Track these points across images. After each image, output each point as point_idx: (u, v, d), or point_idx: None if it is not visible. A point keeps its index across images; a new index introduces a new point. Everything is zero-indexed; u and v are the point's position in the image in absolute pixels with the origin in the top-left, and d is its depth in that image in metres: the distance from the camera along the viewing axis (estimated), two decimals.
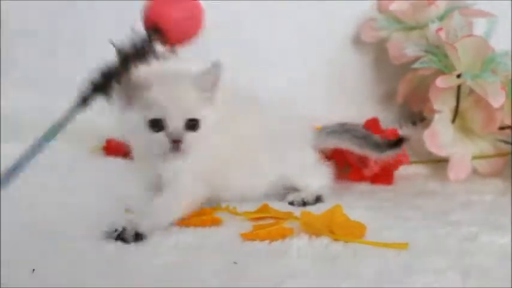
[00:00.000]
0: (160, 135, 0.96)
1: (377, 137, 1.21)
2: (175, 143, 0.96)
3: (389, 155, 1.20)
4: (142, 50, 0.88)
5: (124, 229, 0.88)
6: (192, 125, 0.98)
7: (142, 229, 0.89)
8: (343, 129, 1.22)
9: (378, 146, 1.19)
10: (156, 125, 0.96)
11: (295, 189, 1.15)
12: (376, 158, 1.23)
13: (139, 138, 0.99)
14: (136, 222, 0.90)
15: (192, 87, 0.99)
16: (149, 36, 0.89)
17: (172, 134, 0.96)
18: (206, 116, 1.00)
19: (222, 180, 1.05)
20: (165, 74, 0.98)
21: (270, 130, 1.14)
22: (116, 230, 0.88)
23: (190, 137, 0.97)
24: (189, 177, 1.00)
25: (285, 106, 1.23)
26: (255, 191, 1.11)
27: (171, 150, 0.96)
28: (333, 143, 1.22)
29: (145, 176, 1.04)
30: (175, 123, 0.96)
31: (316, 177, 1.17)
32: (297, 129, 1.19)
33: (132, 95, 0.97)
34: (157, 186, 1.01)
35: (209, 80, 1.01)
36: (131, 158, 1.07)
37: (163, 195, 0.98)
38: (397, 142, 1.19)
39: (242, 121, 1.10)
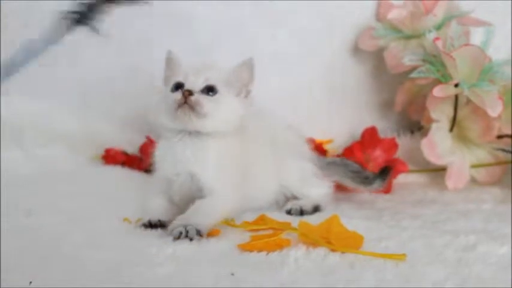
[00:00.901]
0: (178, 92, 1.04)
1: (368, 173, 1.23)
2: (186, 96, 1.01)
3: (376, 187, 1.21)
4: None
5: (187, 230, 0.93)
6: (209, 91, 1.05)
7: (200, 227, 0.94)
8: (342, 163, 1.24)
9: (367, 179, 1.22)
10: (177, 87, 1.05)
11: (294, 198, 1.16)
12: (365, 190, 1.24)
13: (166, 104, 1.05)
14: (194, 222, 0.95)
15: (217, 72, 1.07)
16: None
17: (185, 88, 1.03)
18: (227, 97, 1.06)
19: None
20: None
21: (271, 140, 1.15)
22: (181, 233, 0.93)
23: (205, 99, 1.03)
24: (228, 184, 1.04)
25: (279, 116, 1.24)
26: (258, 201, 1.12)
27: (182, 102, 1.02)
28: (329, 173, 1.22)
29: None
30: (191, 83, 1.04)
31: (316, 186, 1.18)
32: (297, 139, 1.21)
33: (169, 75, 1.09)
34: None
35: (236, 75, 1.08)
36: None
37: (206, 200, 1.01)
38: (382, 172, 1.21)
39: (247, 132, 1.11)
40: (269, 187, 1.14)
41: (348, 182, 1.24)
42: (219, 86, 1.05)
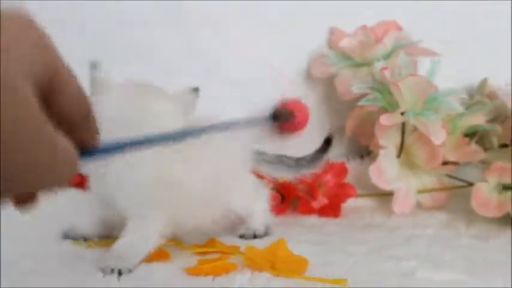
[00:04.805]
0: None
1: (304, 157, 1.27)
2: None
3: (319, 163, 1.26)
4: None
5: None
6: None
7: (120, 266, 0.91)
8: (279, 160, 1.25)
9: (312, 160, 1.26)
10: None
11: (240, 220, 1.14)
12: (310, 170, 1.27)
13: None
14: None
15: None
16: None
17: None
18: None
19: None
20: None
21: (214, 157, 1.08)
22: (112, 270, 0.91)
23: None
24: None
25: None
26: (205, 227, 1.07)
27: None
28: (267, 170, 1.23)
29: None
30: None
31: (258, 199, 1.17)
32: (238, 152, 1.16)
33: None
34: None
35: None
36: None
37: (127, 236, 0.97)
38: (325, 144, 1.27)
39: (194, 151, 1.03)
40: (214, 210, 1.09)
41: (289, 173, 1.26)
42: None
